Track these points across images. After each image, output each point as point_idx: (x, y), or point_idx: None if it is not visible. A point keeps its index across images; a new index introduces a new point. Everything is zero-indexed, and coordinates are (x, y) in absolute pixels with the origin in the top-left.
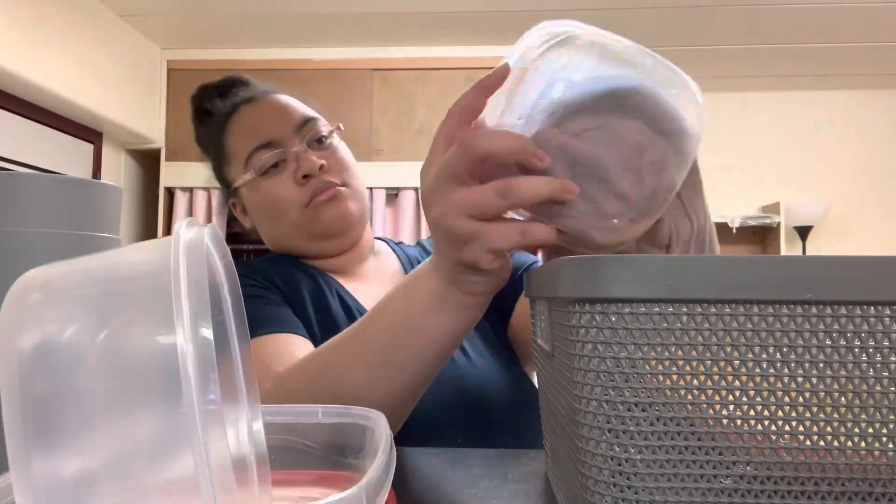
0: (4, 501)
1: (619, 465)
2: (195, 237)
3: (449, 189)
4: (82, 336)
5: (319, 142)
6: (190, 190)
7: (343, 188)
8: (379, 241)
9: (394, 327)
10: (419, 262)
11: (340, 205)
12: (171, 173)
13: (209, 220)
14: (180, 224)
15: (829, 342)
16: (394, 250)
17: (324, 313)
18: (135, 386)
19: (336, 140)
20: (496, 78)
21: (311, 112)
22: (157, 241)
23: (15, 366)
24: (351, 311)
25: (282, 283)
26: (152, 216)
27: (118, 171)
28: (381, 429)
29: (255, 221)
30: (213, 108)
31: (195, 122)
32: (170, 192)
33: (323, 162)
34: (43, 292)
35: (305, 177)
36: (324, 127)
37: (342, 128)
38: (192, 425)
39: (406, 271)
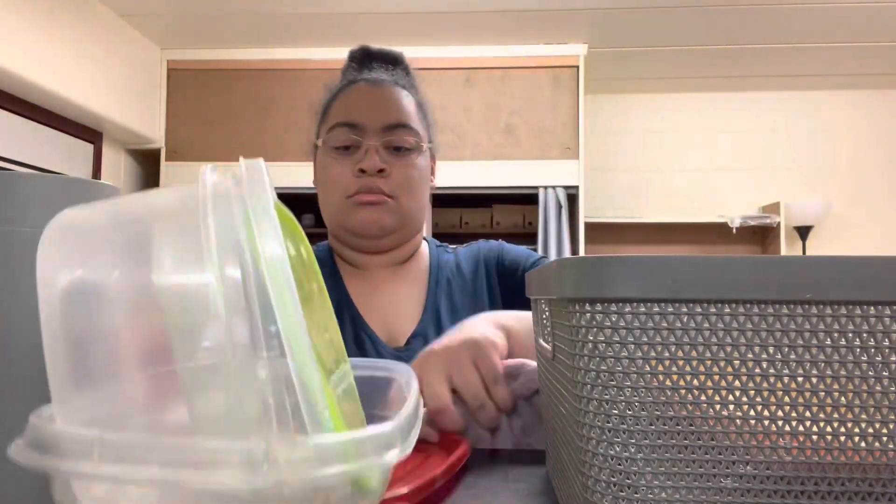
0: None
1: (619, 465)
2: (220, 181)
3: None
4: (116, 275)
5: (398, 150)
6: None
7: (389, 200)
8: (425, 240)
9: None
10: (449, 271)
11: (376, 213)
12: (171, 173)
13: None
14: (205, 168)
15: (829, 342)
16: (431, 254)
17: None
18: (166, 323)
19: (416, 157)
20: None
21: (408, 121)
22: (184, 188)
23: (55, 304)
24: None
25: None
26: None
27: (118, 171)
28: (403, 380)
29: (316, 184)
30: (347, 72)
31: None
32: None
33: (384, 167)
34: (78, 233)
35: (362, 171)
36: (410, 139)
37: (433, 150)
38: (225, 363)
39: (430, 277)
